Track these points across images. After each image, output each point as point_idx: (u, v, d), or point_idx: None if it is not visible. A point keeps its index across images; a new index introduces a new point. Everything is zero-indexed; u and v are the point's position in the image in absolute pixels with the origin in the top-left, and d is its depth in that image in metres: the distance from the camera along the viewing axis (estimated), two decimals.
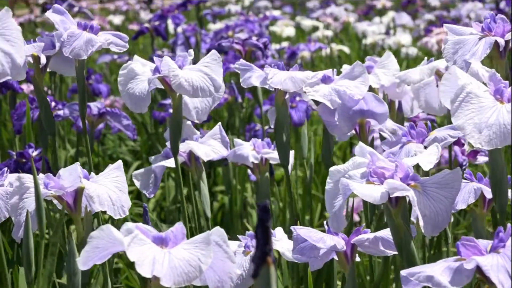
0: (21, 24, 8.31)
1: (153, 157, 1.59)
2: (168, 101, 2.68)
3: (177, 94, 1.43)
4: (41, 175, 1.19)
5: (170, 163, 1.54)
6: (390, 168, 1.04)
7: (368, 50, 5.02)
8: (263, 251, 0.69)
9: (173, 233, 0.95)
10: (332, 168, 1.07)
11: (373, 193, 1.01)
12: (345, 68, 1.60)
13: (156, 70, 1.41)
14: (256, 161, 1.65)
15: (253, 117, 3.06)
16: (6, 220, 2.17)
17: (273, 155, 1.66)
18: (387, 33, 4.89)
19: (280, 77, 1.41)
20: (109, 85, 3.48)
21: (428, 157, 1.06)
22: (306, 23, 5.03)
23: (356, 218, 3.01)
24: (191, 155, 1.56)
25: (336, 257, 1.15)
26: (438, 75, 1.60)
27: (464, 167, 1.81)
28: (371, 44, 4.54)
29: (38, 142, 2.35)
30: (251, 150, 1.66)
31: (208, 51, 3.81)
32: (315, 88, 1.43)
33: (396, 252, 1.15)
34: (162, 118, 2.54)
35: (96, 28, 1.47)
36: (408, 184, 1.02)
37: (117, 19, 7.94)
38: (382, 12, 9.13)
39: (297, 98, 2.56)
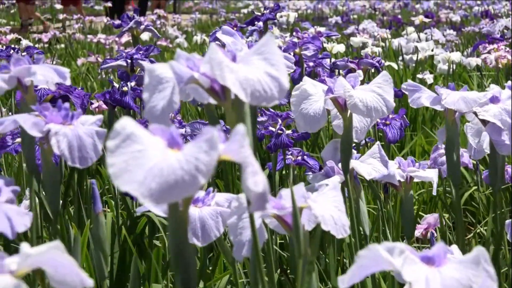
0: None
1: (311, 176, 1.61)
2: (261, 118, 2.70)
3: (348, 114, 1.46)
4: None
5: (332, 181, 1.55)
6: None
7: (406, 66, 5.07)
8: None
9: (436, 252, 0.97)
10: None
11: None
12: (492, 87, 1.63)
13: (329, 90, 1.44)
14: (402, 179, 1.68)
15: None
16: (138, 235, 2.18)
17: (419, 173, 1.68)
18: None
19: (453, 97, 1.44)
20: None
21: None
22: (355, 39, 5.08)
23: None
24: (351, 173, 1.58)
25: None
26: None
27: None
28: (420, 60, 4.58)
29: None
30: (396, 168, 1.68)
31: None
32: (485, 108, 1.45)
33: None
34: (262, 135, 2.57)
35: None
36: None
37: (145, 35, 7.99)
38: (402, 27, 9.20)
39: (390, 116, 2.59)
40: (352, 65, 2.12)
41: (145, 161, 0.78)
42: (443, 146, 3.02)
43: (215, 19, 12.08)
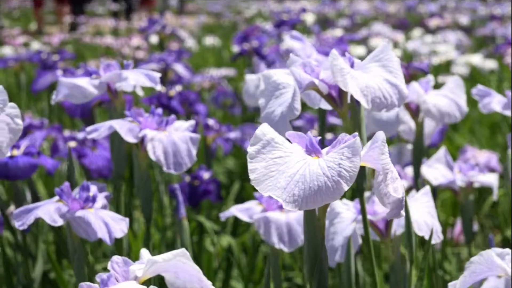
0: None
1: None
2: (297, 123, 2.72)
3: (420, 119, 1.47)
4: (345, 201, 1.22)
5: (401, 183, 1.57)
6: None
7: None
8: None
9: None
10: None
11: None
12: None
13: None
14: (463, 185, 1.69)
15: None
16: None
17: (479, 178, 1.69)
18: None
19: None
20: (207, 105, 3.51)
21: None
22: (378, 42, 5.10)
23: None
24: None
25: None
26: None
27: None
28: (439, 63, 4.60)
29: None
30: (457, 172, 1.70)
31: None
32: None
33: None
34: None
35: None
36: None
37: (154, 38, 7.98)
38: (409, 29, 9.20)
39: None
40: None
41: (286, 167, 0.79)
42: (468, 149, 3.02)
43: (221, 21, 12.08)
